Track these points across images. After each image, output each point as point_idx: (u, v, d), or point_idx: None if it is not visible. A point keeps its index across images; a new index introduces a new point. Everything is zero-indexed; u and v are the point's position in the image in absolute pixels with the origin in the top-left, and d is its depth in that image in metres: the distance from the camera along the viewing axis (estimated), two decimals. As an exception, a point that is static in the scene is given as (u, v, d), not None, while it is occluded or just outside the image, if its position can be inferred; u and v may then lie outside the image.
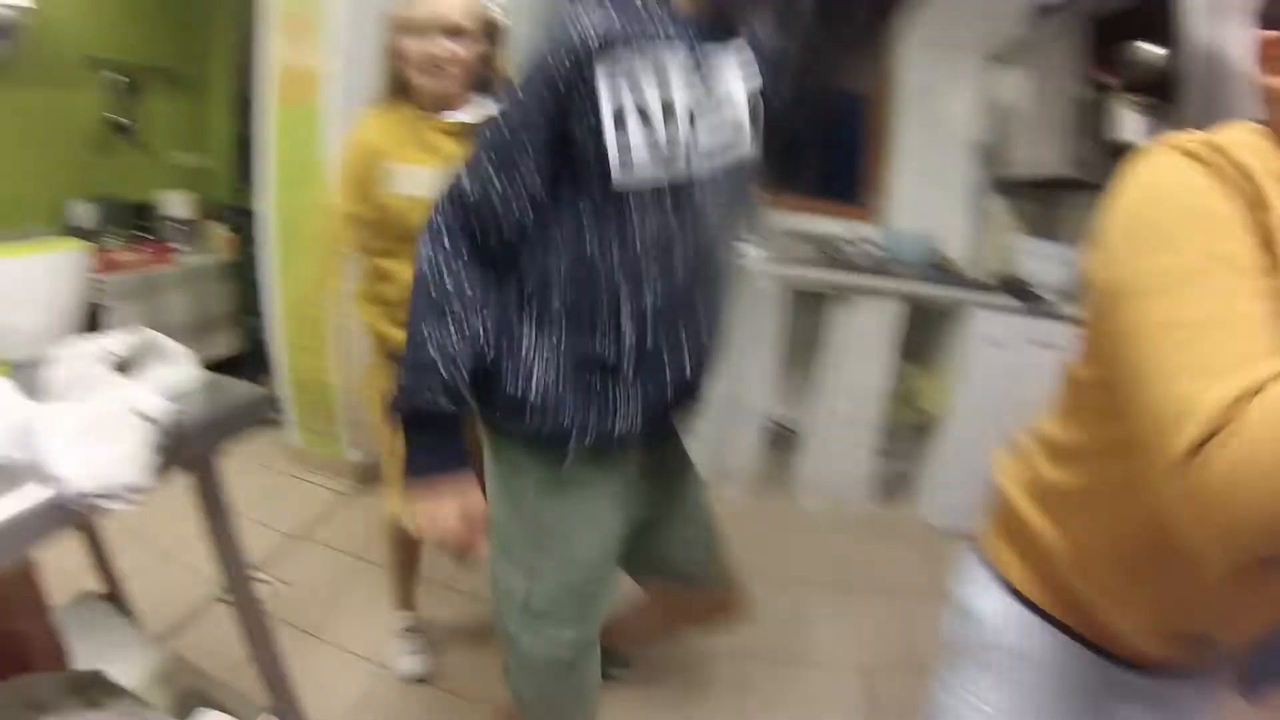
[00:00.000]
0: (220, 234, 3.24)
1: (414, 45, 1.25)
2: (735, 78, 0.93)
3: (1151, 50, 1.87)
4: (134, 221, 3.21)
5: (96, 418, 0.72)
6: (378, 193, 1.29)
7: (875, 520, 2.52)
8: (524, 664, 1.05)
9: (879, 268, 2.46)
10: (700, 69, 0.89)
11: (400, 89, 1.32)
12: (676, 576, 1.23)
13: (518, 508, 0.99)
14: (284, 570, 2.00)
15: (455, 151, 1.24)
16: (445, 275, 0.88)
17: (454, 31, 1.24)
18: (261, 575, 1.76)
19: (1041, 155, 2.38)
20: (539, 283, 0.90)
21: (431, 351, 0.86)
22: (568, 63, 0.81)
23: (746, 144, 0.96)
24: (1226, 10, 1.63)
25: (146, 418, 0.76)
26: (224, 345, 3.20)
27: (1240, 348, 0.45)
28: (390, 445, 1.43)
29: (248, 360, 3.03)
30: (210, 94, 3.71)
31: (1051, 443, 0.72)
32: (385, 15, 1.30)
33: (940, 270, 2.54)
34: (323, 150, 2.21)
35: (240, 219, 3.08)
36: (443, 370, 0.86)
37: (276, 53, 2.25)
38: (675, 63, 0.86)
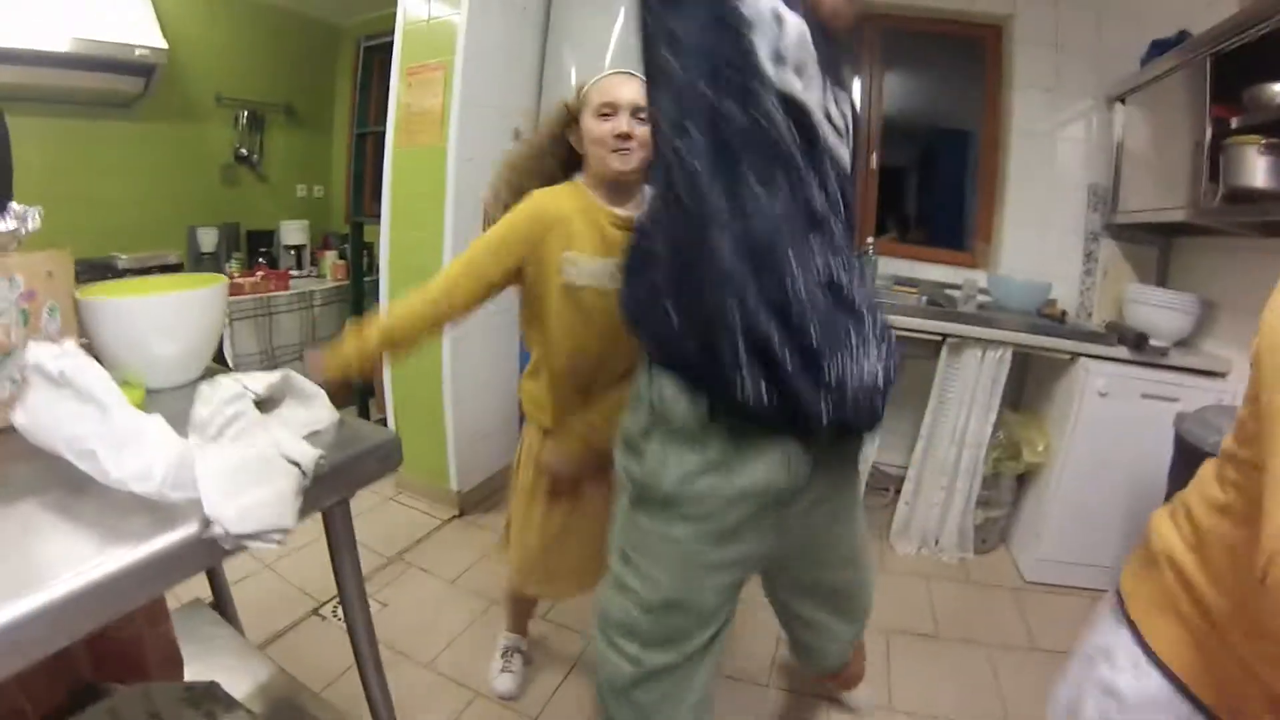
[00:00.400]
0: (333, 261, 3.43)
1: (602, 125, 1.24)
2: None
3: (1277, 90, 1.78)
4: (254, 247, 3.44)
5: (249, 461, 0.75)
6: (547, 270, 1.27)
7: (971, 569, 2.44)
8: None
9: (986, 316, 2.40)
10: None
11: (565, 172, 1.34)
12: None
13: None
14: (381, 591, 2.08)
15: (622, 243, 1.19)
16: None
17: (640, 113, 1.23)
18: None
19: (1158, 199, 2.28)
20: None
21: None
22: None
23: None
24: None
25: (295, 463, 0.79)
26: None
27: None
28: (522, 513, 1.48)
29: (355, 384, 3.18)
30: (329, 130, 3.96)
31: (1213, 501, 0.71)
32: (561, 102, 1.34)
33: (1049, 318, 2.46)
34: (440, 189, 2.33)
35: (352, 247, 3.26)
36: None
37: (400, 96, 2.40)
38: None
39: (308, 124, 3.82)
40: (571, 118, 1.33)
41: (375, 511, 2.56)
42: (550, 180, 1.34)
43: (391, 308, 1.28)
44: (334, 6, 3.73)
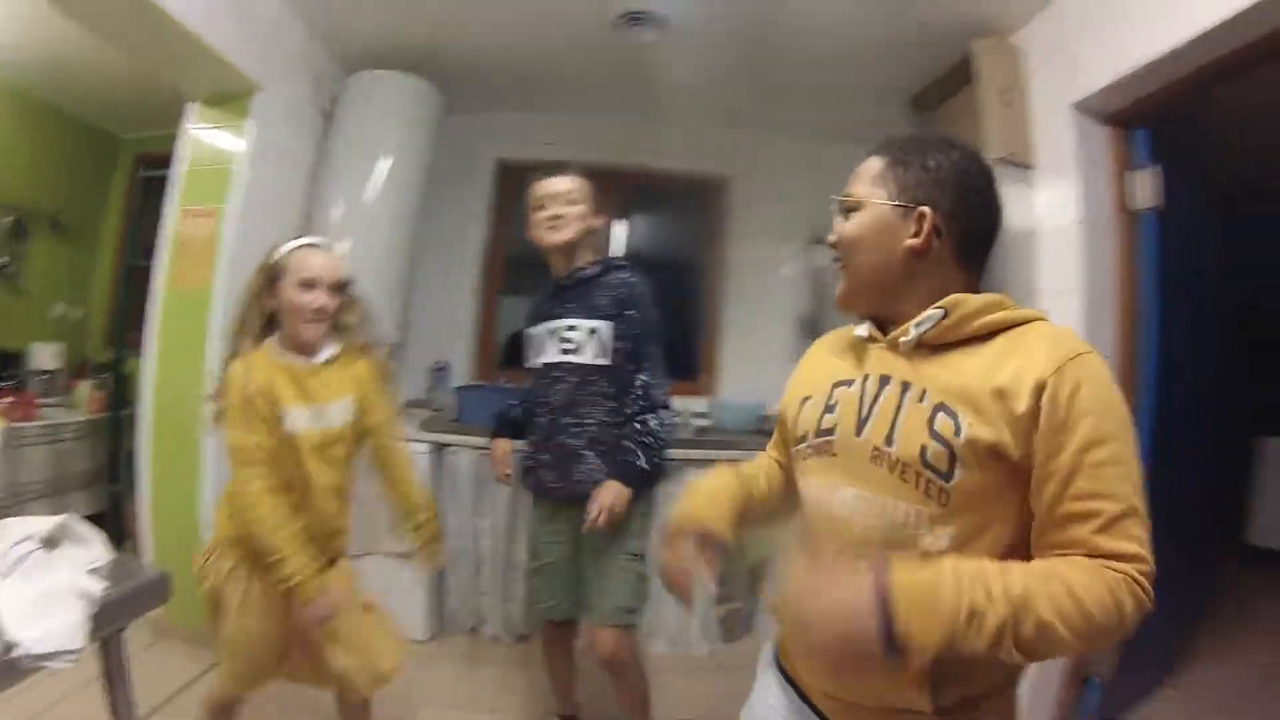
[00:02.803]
0: (89, 390, 3.22)
1: (302, 296, 1.43)
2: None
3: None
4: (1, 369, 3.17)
5: (45, 592, 0.94)
6: (277, 429, 1.44)
7: (721, 658, 2.69)
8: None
9: (702, 438, 2.77)
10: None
11: (266, 329, 1.50)
12: None
13: None
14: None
15: (319, 390, 1.48)
16: None
17: (335, 287, 1.47)
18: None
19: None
20: None
21: None
22: None
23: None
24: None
25: (85, 594, 0.98)
26: (82, 505, 3.05)
27: None
28: (233, 630, 1.54)
29: (105, 523, 2.88)
30: (95, 248, 3.73)
31: None
32: (263, 264, 1.49)
33: (763, 434, 2.89)
34: (202, 331, 2.33)
35: (110, 378, 3.09)
36: None
37: (174, 231, 2.40)
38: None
39: (74, 238, 3.61)
40: (269, 280, 1.47)
41: (137, 659, 2.39)
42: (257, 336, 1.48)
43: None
44: (114, 116, 3.65)
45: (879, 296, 0.86)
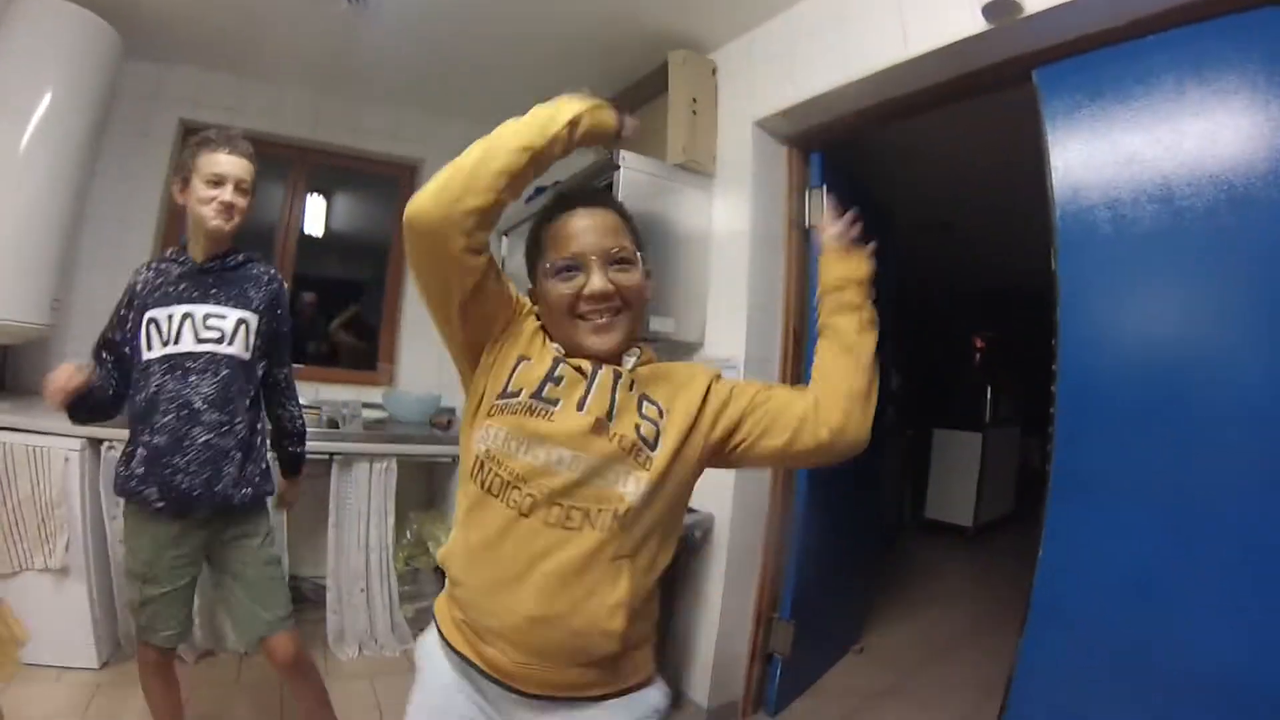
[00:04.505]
0: None
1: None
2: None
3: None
4: None
5: None
6: None
7: (412, 657, 2.53)
8: None
9: (372, 433, 2.56)
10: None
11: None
12: None
13: None
14: None
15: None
16: None
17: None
18: None
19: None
20: None
21: None
22: None
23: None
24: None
25: None
26: None
27: None
28: None
29: None
30: None
31: None
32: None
33: (437, 427, 2.75)
34: None
35: None
36: None
37: None
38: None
39: None
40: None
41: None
42: None
43: None
44: None
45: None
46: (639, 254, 0.96)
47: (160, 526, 1.55)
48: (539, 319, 0.97)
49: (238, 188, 1.55)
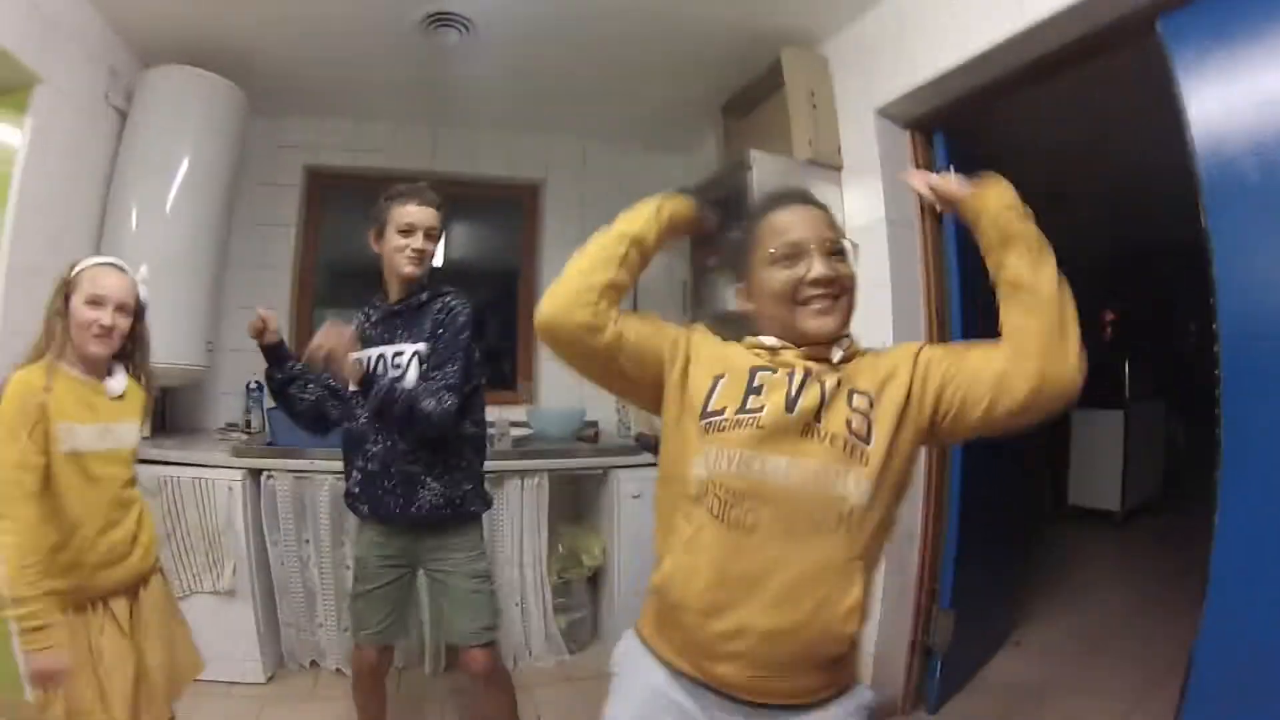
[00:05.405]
0: None
1: (88, 314, 1.43)
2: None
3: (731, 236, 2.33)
4: None
5: None
6: (51, 448, 1.37)
7: (569, 669, 2.67)
8: None
9: (521, 449, 2.73)
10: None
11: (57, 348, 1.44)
12: None
13: None
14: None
15: (109, 410, 1.48)
16: None
17: (124, 309, 1.47)
18: None
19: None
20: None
21: None
22: None
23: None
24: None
25: None
26: None
27: None
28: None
29: None
30: None
31: None
32: (60, 279, 1.48)
33: (584, 440, 2.89)
34: None
35: None
36: None
37: None
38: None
39: None
40: (63, 295, 1.46)
41: None
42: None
43: None
44: None
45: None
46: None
47: (370, 529, 1.80)
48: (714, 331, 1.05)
49: (427, 234, 1.72)
